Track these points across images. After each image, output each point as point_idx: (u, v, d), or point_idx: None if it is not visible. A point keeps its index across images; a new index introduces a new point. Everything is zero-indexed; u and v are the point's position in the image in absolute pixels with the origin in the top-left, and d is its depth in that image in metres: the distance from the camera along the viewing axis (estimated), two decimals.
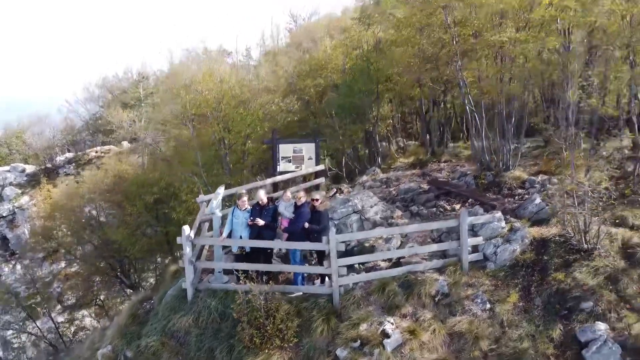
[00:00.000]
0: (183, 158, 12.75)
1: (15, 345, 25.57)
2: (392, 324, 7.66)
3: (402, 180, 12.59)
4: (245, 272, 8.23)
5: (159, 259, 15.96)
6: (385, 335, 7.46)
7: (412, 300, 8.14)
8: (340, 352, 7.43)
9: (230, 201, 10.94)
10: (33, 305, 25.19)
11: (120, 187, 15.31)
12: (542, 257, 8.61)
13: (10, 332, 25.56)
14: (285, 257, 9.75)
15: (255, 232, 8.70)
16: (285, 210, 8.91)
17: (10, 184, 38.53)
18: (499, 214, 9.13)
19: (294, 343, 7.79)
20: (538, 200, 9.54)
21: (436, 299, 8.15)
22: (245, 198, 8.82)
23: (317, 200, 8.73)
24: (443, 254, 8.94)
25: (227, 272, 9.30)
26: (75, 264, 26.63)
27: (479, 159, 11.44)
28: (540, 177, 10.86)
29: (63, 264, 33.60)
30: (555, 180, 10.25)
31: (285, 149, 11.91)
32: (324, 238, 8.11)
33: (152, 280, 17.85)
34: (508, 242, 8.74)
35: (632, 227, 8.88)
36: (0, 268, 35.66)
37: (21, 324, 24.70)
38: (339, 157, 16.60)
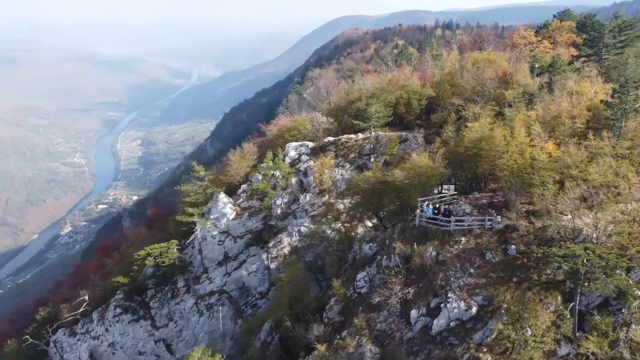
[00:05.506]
0: (413, 186, 40.94)
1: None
2: (461, 239, 35.42)
3: (481, 199, 39.23)
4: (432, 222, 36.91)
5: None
6: (459, 241, 35.34)
7: (470, 234, 35.62)
8: (452, 242, 35.72)
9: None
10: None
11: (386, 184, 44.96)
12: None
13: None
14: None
15: (434, 213, 37.19)
16: (442, 208, 37.11)
17: (303, 153, 73.33)
18: (498, 217, 35.60)
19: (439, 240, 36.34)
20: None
21: (475, 234, 35.47)
22: (430, 204, 37.32)
23: (449, 207, 36.78)
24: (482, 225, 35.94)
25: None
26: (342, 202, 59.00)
27: (505, 195, 37.53)
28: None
29: (327, 197, 69.09)
30: None
31: (444, 186, 39.76)
32: (451, 217, 36.05)
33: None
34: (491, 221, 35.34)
35: None
36: (299, 197, 71.65)
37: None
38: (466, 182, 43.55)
